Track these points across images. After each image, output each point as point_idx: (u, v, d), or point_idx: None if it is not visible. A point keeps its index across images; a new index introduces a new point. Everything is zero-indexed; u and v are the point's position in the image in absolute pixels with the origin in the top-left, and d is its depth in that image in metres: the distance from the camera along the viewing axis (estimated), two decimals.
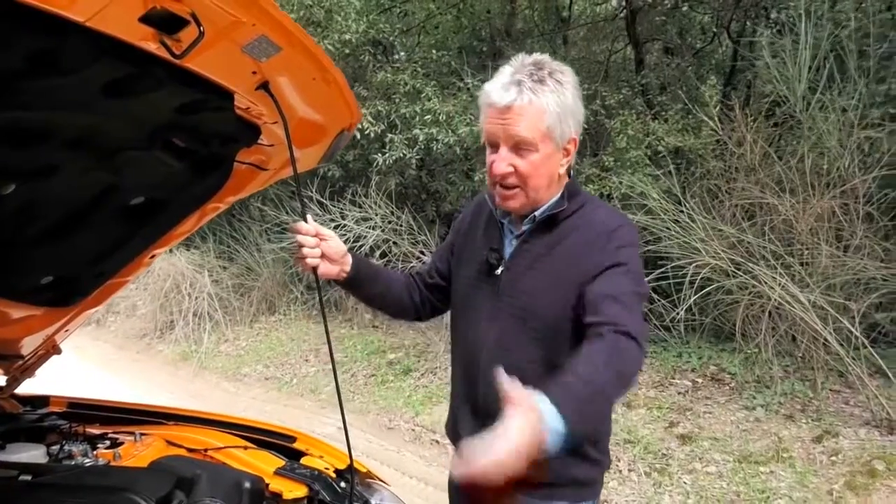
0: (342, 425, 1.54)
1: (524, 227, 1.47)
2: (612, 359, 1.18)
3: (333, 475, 1.77)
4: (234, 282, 8.27)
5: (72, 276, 1.80)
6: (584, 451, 1.46)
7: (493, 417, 1.34)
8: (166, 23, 1.04)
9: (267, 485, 1.62)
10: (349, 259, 1.57)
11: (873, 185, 3.90)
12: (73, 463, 1.70)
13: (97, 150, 1.39)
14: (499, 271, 1.47)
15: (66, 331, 2.07)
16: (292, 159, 1.43)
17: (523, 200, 1.41)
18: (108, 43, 1.03)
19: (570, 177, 1.49)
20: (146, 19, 1.01)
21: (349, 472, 1.76)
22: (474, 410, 1.50)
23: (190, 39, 1.06)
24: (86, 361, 7.22)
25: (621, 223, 1.42)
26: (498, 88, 1.34)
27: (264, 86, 1.35)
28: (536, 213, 1.45)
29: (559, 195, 1.46)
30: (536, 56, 1.38)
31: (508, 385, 1.03)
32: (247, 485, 1.53)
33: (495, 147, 1.37)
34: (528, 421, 0.99)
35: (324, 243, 1.48)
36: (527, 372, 1.32)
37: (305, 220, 1.46)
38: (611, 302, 1.27)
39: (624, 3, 6.93)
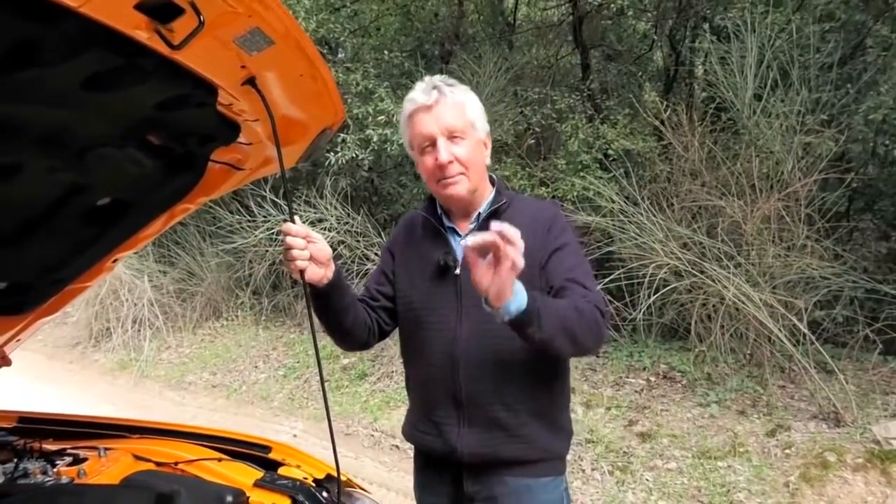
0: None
1: (471, 226, 1.60)
2: (575, 304, 1.36)
3: (313, 485, 1.71)
4: (175, 287, 7.97)
5: (28, 283, 1.68)
6: (556, 422, 1.59)
7: (476, 402, 1.51)
8: (161, 11, 0.98)
9: (248, 498, 1.55)
10: (333, 265, 1.52)
11: (814, 187, 4.10)
12: (31, 482, 1.58)
13: (67, 149, 1.30)
14: (457, 271, 1.56)
15: (18, 340, 1.95)
16: (280, 158, 1.38)
17: (468, 185, 1.54)
18: (98, 31, 0.96)
19: (492, 182, 1.65)
20: (141, 6, 0.95)
21: (330, 482, 1.72)
22: (456, 401, 1.56)
23: (187, 29, 1.00)
24: (12, 373, 6.80)
25: (555, 211, 1.61)
26: (420, 94, 1.52)
27: (250, 81, 1.30)
28: (481, 211, 1.60)
29: (495, 191, 1.63)
30: (439, 75, 1.60)
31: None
32: (229, 499, 1.47)
33: (432, 144, 1.52)
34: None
35: (312, 246, 1.42)
36: (511, 347, 1.46)
37: (293, 221, 1.40)
38: (575, 285, 1.46)
39: (571, 10, 7.06)
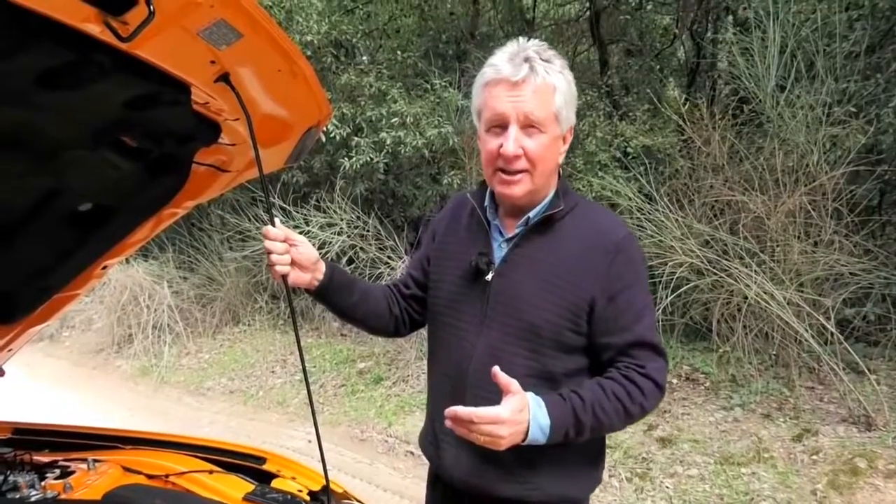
0: (314, 440, 1.43)
1: (517, 230, 1.38)
2: (625, 395, 1.24)
3: (307, 498, 1.64)
4: (195, 292, 8.01)
5: (12, 292, 1.64)
6: (573, 466, 1.39)
7: None
8: (111, 2, 0.92)
9: None
10: (322, 266, 1.45)
11: (841, 181, 3.94)
12: (17, 496, 1.54)
13: (35, 151, 1.25)
14: (489, 277, 1.37)
15: (10, 350, 1.90)
16: (257, 159, 1.31)
17: (529, 187, 1.31)
18: (44, 24, 0.90)
19: (559, 174, 1.41)
20: None
21: (324, 495, 1.65)
22: None
23: (138, 21, 0.94)
24: (38, 379, 6.89)
25: (624, 232, 1.35)
26: (507, 63, 1.25)
27: (224, 77, 1.23)
28: (530, 215, 1.36)
29: (553, 193, 1.38)
30: (535, 40, 1.31)
31: (505, 379, 1.16)
32: None
33: (503, 127, 1.28)
34: (519, 404, 1.15)
35: (294, 249, 1.36)
36: (519, 382, 1.25)
37: (273, 225, 1.34)
38: (638, 351, 1.29)
39: (588, 4, 6.93)
